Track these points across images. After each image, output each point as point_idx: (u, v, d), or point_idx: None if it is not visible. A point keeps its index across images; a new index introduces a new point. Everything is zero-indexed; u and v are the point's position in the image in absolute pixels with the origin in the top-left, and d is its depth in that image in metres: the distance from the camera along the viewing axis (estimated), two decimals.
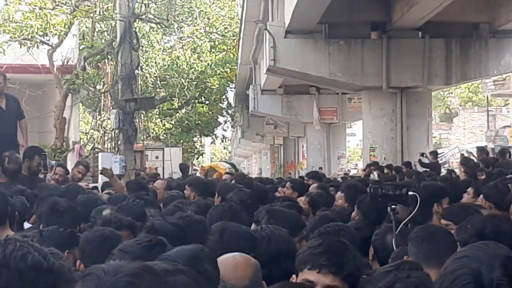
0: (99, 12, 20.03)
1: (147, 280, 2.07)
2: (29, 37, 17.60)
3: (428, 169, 15.89)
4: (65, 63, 18.28)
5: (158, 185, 10.02)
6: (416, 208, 5.23)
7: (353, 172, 27.07)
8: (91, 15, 19.68)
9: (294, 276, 3.21)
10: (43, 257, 2.42)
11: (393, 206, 5.05)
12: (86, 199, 7.36)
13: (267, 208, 5.19)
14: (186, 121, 34.48)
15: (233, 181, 10.96)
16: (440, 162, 22.53)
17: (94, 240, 4.35)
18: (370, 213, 5.96)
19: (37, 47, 17.83)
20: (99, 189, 11.01)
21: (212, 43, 34.12)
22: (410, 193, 5.20)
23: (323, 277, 3.10)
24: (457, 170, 18.10)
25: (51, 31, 17.98)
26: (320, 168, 25.33)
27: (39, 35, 17.76)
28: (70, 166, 16.08)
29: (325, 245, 3.22)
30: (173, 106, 32.88)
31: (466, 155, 19.83)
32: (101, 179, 14.11)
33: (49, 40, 18.12)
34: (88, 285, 1.97)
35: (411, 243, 4.03)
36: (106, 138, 20.92)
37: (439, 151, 30.99)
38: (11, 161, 9.53)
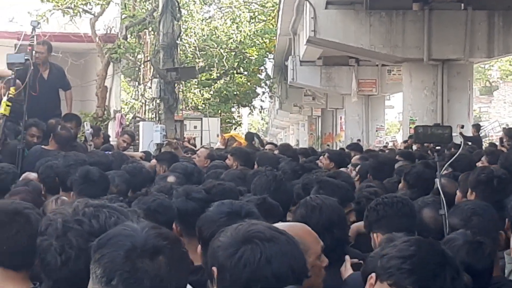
0: None
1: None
2: (72, 6, 17.70)
3: (469, 143, 15.81)
4: (107, 32, 18.36)
5: (200, 153, 10.13)
6: (460, 149, 5.32)
7: (390, 145, 26.95)
8: None
9: (373, 275, 2.60)
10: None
11: (437, 147, 5.10)
12: (132, 168, 7.49)
13: (318, 178, 5.25)
14: (225, 92, 34.54)
15: (276, 152, 11.08)
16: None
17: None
18: (417, 184, 6.00)
19: (80, 16, 17.91)
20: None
21: (251, 14, 34.07)
22: (454, 134, 5.25)
23: None
24: (497, 143, 17.95)
25: (94, 1, 18.09)
26: (359, 140, 25.26)
27: (82, 4, 17.87)
28: (112, 135, 16.25)
29: (417, 259, 2.49)
30: (212, 77, 32.92)
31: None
32: (141, 148, 14.24)
33: (91, 9, 18.20)
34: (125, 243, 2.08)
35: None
36: (146, 107, 21.08)
37: None
38: (63, 128, 9.67)
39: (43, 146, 9.37)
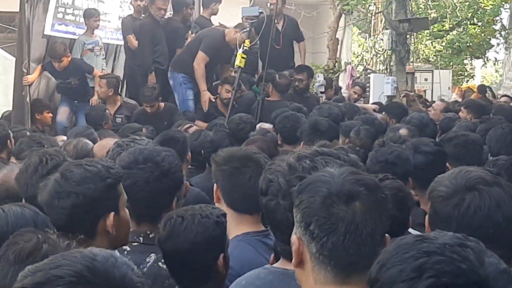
0: None
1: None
2: None
3: None
4: None
5: (436, 106, 10.02)
6: None
7: None
8: None
9: None
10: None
11: None
12: (365, 119, 7.53)
13: None
14: (457, 43, 33.45)
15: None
16: None
17: None
18: None
19: None
20: None
21: None
22: None
23: None
24: None
25: None
26: None
27: None
28: (343, 86, 16.41)
29: None
30: (444, 28, 31.99)
31: None
32: (372, 100, 14.24)
33: None
34: (321, 189, 2.10)
35: None
36: (377, 59, 20.97)
37: None
38: (281, 76, 9.92)
39: (267, 98, 9.66)
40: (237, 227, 3.14)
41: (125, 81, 10.97)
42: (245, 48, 9.97)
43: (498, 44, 37.70)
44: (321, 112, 7.08)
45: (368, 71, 18.55)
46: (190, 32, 11.00)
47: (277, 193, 2.45)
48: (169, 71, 10.31)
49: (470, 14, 31.18)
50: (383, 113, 9.19)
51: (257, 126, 7.51)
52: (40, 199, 2.79)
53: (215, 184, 3.24)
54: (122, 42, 11.25)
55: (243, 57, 9.90)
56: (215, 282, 2.77)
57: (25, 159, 5.01)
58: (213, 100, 9.88)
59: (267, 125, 7.56)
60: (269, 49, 10.06)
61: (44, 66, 10.30)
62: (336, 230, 2.00)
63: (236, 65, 10.05)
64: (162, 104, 9.84)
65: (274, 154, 4.95)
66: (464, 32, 33.54)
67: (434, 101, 15.93)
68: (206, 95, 9.74)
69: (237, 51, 9.99)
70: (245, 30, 10.03)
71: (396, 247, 1.62)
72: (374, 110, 10.29)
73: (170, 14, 11.19)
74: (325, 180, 2.09)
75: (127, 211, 2.87)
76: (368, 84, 15.69)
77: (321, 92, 12.24)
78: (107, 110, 9.44)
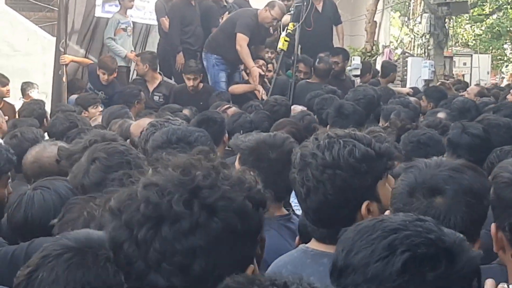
0: None
1: (467, 176, 2.17)
2: None
3: None
4: None
5: (470, 90, 9.97)
6: None
7: None
8: None
9: None
10: (368, 145, 2.43)
11: None
12: (400, 102, 7.50)
13: None
14: (497, 27, 33.08)
15: None
16: None
17: None
18: None
19: None
20: None
21: None
22: None
23: None
24: None
25: None
26: None
27: None
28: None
29: None
30: (484, 12, 31.66)
31: None
32: (409, 84, 14.13)
33: None
34: (409, 176, 2.12)
35: None
36: (415, 42, 20.79)
37: None
38: (322, 61, 9.89)
39: (307, 80, 9.66)
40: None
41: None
42: (288, 31, 9.97)
43: None
44: (356, 94, 7.06)
45: (406, 54, 18.40)
46: (227, 12, 10.99)
47: (296, 166, 2.46)
48: (203, 52, 10.32)
49: None
50: (422, 97, 9.14)
51: (292, 107, 7.51)
52: None
53: None
54: (156, 23, 11.33)
55: (286, 40, 9.90)
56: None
57: (56, 135, 5.09)
58: (263, 73, 9.89)
59: (300, 107, 7.56)
60: (308, 31, 10.05)
61: (90, 70, 10.23)
62: None
63: (279, 48, 10.06)
64: (201, 84, 9.85)
65: (305, 137, 4.93)
66: (504, 16, 33.16)
67: None
68: (256, 71, 9.69)
69: (277, 33, 10.02)
70: (290, 12, 10.04)
71: (356, 232, 1.65)
72: (408, 94, 10.23)
73: None
74: (422, 167, 2.19)
75: None
76: (405, 68, 15.58)
77: (355, 76, 12.15)
78: (142, 91, 9.43)
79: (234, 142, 3.32)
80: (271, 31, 10.69)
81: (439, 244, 1.57)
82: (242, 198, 1.58)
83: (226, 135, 5.15)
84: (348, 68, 11.98)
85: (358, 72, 12.45)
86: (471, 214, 2.21)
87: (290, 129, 5.27)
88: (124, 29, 10.72)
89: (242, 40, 9.73)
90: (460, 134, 4.33)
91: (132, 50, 10.80)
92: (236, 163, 3.28)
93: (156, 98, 9.89)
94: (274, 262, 2.56)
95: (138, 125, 5.00)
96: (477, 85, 12.80)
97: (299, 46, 10.29)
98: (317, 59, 9.92)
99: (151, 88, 9.93)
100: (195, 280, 1.51)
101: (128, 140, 4.39)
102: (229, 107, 7.24)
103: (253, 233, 1.62)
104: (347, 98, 6.98)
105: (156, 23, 11.42)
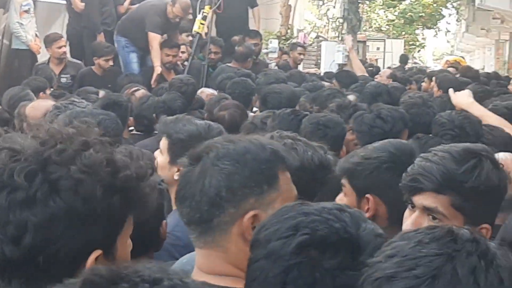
0: None
1: None
2: None
3: None
4: None
5: (382, 73, 10.11)
6: None
7: None
8: None
9: None
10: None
11: None
12: (311, 86, 7.54)
13: None
14: (409, 13, 33.74)
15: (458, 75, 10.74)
16: None
17: None
18: None
19: None
20: None
21: None
22: None
23: None
24: None
25: None
26: None
27: None
28: None
29: None
30: None
31: None
32: (323, 68, 14.25)
33: None
34: None
35: None
36: (330, 27, 20.99)
37: None
38: (241, 45, 9.87)
39: (228, 64, 9.62)
40: None
41: (67, 43, 10.72)
42: (204, 14, 9.89)
43: (449, 15, 38.11)
44: (267, 78, 7.06)
45: (320, 38, 18.55)
46: None
47: None
48: (114, 34, 10.20)
49: None
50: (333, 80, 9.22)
51: (199, 90, 7.45)
52: None
53: None
54: (64, 2, 11.10)
55: (202, 23, 9.82)
56: (156, 247, 2.76)
57: None
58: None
59: (210, 91, 7.51)
60: (222, 15, 10.02)
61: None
62: None
63: (195, 31, 9.97)
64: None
65: (244, 120, 4.95)
66: (416, 2, 33.82)
67: None
68: (158, 71, 9.62)
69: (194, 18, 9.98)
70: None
71: (278, 211, 1.69)
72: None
73: None
74: None
75: None
76: (319, 52, 15.72)
77: (271, 59, 12.20)
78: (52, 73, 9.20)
79: (164, 129, 3.26)
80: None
81: (342, 234, 1.58)
82: (94, 181, 1.51)
83: (131, 118, 5.10)
84: (265, 51, 12.02)
85: (275, 55, 12.51)
86: None
87: (233, 112, 5.24)
88: (27, 11, 10.43)
89: (153, 40, 9.64)
90: (374, 119, 4.34)
91: (36, 32, 10.52)
92: (159, 153, 3.23)
93: (63, 80, 9.68)
94: (180, 259, 2.52)
95: (33, 108, 4.87)
96: (389, 68, 12.99)
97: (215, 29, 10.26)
98: (237, 44, 9.91)
99: (57, 71, 9.71)
100: (25, 254, 1.47)
101: (25, 124, 4.27)
102: (137, 90, 7.12)
103: (103, 218, 1.53)
104: (258, 82, 6.97)
105: (64, 2, 11.18)
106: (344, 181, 2.74)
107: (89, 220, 1.51)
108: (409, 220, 2.26)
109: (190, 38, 10.61)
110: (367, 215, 2.55)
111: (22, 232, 1.47)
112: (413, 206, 2.27)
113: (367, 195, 2.66)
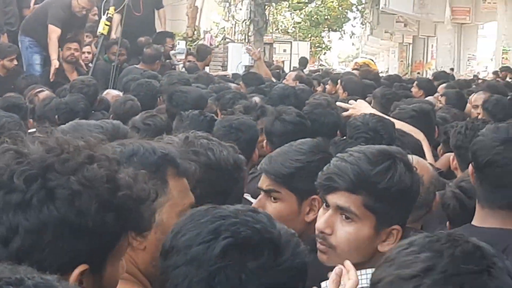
0: None
1: None
2: None
3: None
4: None
5: (288, 76, 10.21)
6: None
7: (482, 75, 26.19)
8: None
9: None
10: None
11: None
12: (218, 88, 7.58)
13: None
14: (315, 16, 34.19)
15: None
16: None
17: None
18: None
19: None
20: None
21: None
22: None
23: None
24: None
25: None
26: (452, 69, 24.69)
27: None
28: None
29: None
30: (303, 0, 32.60)
31: None
32: (230, 69, 14.32)
33: None
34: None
35: None
36: (236, 29, 21.08)
37: None
38: (149, 47, 9.86)
39: (136, 66, 9.59)
40: None
41: None
42: (109, 15, 9.84)
43: (354, 18, 38.86)
44: (170, 78, 7.07)
45: (227, 40, 18.62)
46: None
47: None
48: (19, 34, 10.02)
49: None
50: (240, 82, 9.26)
51: (105, 92, 7.40)
52: None
53: None
54: None
55: (106, 24, 9.78)
56: None
57: None
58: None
59: (116, 92, 7.47)
60: (131, 16, 10.00)
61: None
62: None
63: (99, 32, 9.91)
64: None
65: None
66: (322, 5, 34.29)
67: None
68: (56, 64, 9.51)
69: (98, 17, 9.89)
70: None
71: (189, 216, 1.70)
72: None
73: None
74: None
75: None
76: (226, 54, 15.77)
77: (179, 60, 12.17)
78: None
79: None
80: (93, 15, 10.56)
81: (264, 234, 1.62)
82: (91, 195, 1.51)
83: (31, 120, 5.05)
84: (172, 52, 12.00)
85: (182, 57, 12.50)
86: None
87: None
88: None
89: (52, 33, 9.56)
90: (274, 122, 4.38)
91: None
92: None
93: None
94: None
95: None
96: (295, 69, 13.11)
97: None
98: (146, 46, 9.89)
99: None
100: (12, 256, 1.46)
101: None
102: (42, 91, 7.03)
103: (94, 233, 1.53)
104: (161, 83, 6.98)
105: None
106: (276, 187, 2.73)
107: (80, 233, 1.51)
108: (322, 218, 2.29)
109: (90, 39, 10.56)
110: (312, 216, 2.65)
111: (12, 234, 1.48)
112: (328, 205, 2.30)
113: (314, 196, 2.66)
